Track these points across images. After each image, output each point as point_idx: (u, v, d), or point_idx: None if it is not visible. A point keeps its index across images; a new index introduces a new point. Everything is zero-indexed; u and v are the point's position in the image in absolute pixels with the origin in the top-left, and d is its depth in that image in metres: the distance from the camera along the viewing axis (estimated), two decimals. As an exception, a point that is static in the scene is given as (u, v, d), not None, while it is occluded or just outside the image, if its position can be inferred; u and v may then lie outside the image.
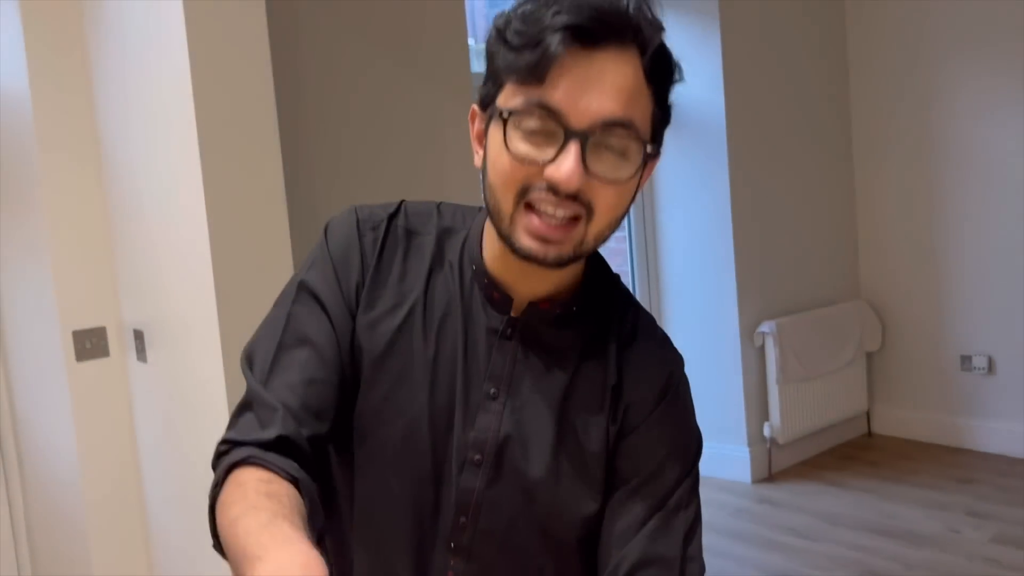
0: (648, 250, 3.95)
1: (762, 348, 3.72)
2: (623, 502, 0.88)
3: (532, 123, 0.77)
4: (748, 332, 3.71)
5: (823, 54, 4.01)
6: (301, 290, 0.89)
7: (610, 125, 0.77)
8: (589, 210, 0.79)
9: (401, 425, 0.87)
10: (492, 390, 0.88)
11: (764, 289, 3.77)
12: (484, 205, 0.86)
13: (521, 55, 0.76)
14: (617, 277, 0.96)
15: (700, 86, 3.62)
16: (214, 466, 0.84)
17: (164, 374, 2.03)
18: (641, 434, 0.89)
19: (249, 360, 0.88)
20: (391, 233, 0.91)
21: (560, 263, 0.82)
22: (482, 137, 0.84)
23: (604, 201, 0.79)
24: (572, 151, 0.76)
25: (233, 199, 1.78)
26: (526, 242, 0.80)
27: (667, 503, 0.87)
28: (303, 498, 0.77)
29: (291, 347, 0.86)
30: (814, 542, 3.09)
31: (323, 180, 2.40)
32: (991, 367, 3.78)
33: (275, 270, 1.80)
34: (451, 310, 0.89)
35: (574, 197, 0.78)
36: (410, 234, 0.91)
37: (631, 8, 0.77)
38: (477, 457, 0.87)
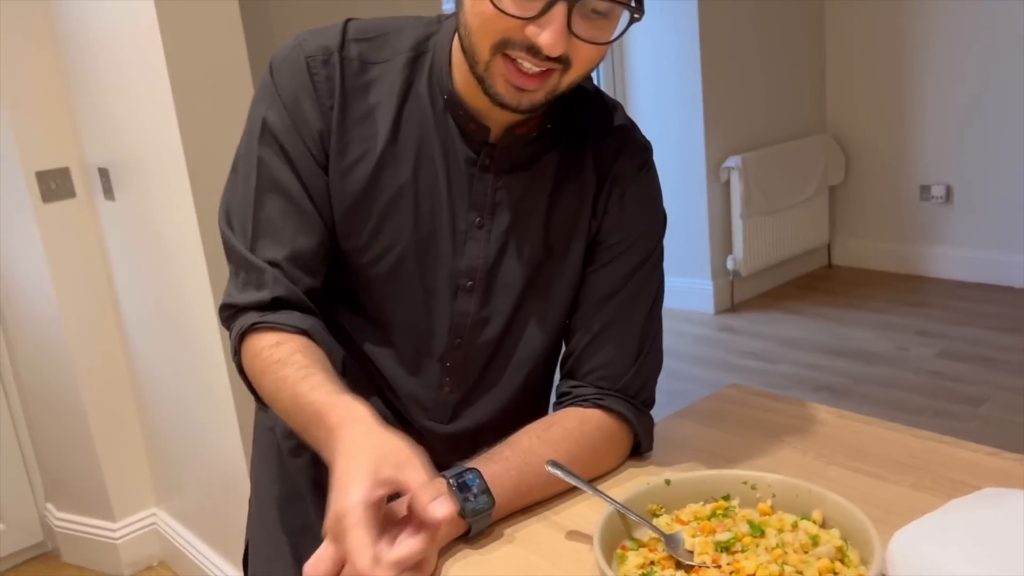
0: (616, 88, 3.91)
1: (727, 183, 3.77)
2: (600, 270, 0.93)
3: None
4: (714, 167, 3.75)
5: None
6: (265, 137, 0.87)
7: None
8: (566, 64, 0.77)
9: (391, 258, 0.89)
10: (477, 219, 0.90)
11: (730, 124, 3.79)
12: (456, 29, 0.83)
13: None
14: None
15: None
16: (226, 327, 0.89)
17: (133, 211, 2.04)
18: (622, 206, 0.93)
19: (228, 218, 0.89)
20: (347, 68, 0.86)
21: (532, 110, 0.81)
22: None
23: (582, 57, 0.77)
24: (559, 14, 0.73)
25: (189, 27, 1.74)
26: (501, 89, 0.78)
27: (637, 274, 0.93)
28: (317, 344, 0.84)
29: (268, 201, 0.86)
30: (772, 364, 3.27)
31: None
32: (949, 196, 3.88)
33: (235, 96, 1.79)
34: (426, 141, 0.88)
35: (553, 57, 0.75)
36: (366, 66, 0.87)
37: None
38: (469, 283, 0.91)
